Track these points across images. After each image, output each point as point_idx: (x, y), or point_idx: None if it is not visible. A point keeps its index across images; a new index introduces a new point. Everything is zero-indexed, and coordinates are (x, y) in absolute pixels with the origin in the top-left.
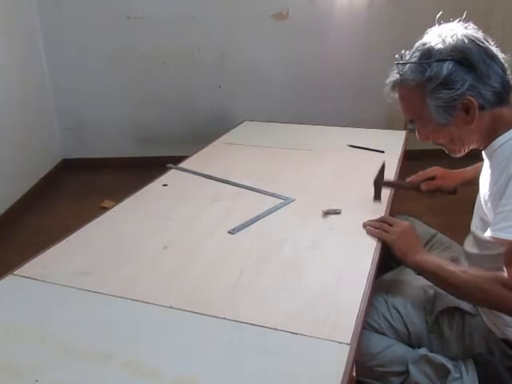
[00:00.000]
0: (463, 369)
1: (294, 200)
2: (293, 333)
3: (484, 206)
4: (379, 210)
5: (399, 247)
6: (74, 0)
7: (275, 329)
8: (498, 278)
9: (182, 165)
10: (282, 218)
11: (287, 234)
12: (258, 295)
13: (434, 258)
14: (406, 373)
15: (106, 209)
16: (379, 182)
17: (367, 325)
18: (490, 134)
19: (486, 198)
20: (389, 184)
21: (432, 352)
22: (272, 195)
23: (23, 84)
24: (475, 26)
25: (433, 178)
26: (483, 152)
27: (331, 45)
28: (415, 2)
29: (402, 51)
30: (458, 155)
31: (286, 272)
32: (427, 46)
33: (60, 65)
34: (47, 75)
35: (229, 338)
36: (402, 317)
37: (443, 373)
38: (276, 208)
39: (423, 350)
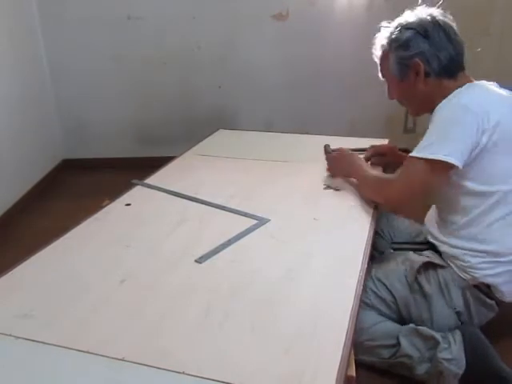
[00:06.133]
0: (451, 339)
1: (268, 221)
2: None
3: None
4: (363, 230)
5: (339, 174)
6: (74, 0)
7: None
8: (390, 178)
9: (149, 180)
10: (256, 243)
11: (261, 262)
12: (224, 342)
13: (362, 167)
14: (397, 346)
15: None
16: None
17: None
18: (434, 100)
19: None
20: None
21: (421, 319)
22: (245, 215)
23: (23, 84)
24: (450, 17)
25: (384, 155)
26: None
27: (331, 45)
28: (415, 2)
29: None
30: (414, 115)
31: (257, 311)
32: (402, 18)
33: (60, 65)
34: (47, 75)
35: None
36: (385, 285)
37: (432, 344)
38: (249, 230)
39: (412, 325)
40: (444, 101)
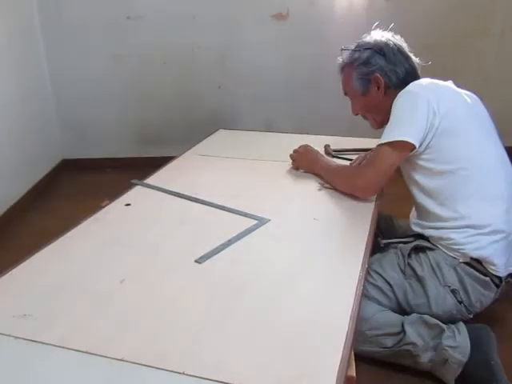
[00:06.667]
0: (455, 330)
1: (268, 221)
2: None
3: None
4: (363, 230)
5: (303, 167)
6: (73, 0)
7: None
8: (360, 169)
9: (149, 180)
10: (256, 243)
11: (260, 262)
12: (224, 342)
13: (326, 162)
14: (401, 334)
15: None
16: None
17: None
18: None
19: None
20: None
21: (419, 304)
22: (245, 215)
23: (23, 84)
24: (398, 37)
25: None
26: None
27: (331, 45)
28: (415, 2)
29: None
30: (377, 127)
31: (257, 311)
32: (361, 40)
33: (60, 65)
34: (47, 75)
35: None
36: (380, 275)
37: (437, 332)
38: (249, 231)
39: (417, 315)
40: (399, 93)
